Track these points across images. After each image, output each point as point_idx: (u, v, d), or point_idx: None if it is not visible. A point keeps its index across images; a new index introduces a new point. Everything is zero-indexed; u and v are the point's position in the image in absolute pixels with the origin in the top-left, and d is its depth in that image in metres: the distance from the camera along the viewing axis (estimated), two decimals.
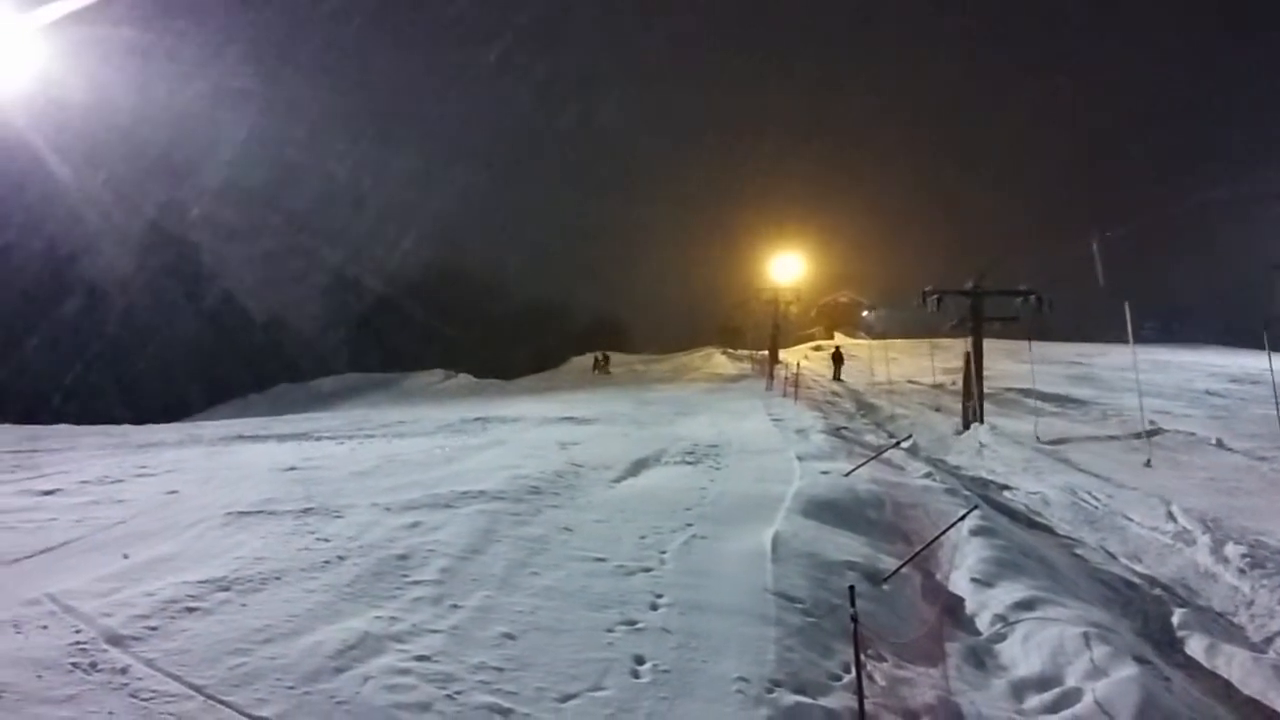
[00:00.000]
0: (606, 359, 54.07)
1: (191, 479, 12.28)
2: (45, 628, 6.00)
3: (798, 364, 38.40)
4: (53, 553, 8.26)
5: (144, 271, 73.43)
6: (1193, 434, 21.62)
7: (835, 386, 36.57)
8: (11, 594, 6.77)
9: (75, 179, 66.49)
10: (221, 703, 5.12)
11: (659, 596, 7.74)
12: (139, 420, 29.32)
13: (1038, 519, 13.60)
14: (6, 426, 21.64)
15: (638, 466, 14.44)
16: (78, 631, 5.93)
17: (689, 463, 14.92)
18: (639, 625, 7.06)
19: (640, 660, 6.41)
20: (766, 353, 47.34)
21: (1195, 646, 8.50)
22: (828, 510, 11.16)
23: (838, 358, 43.48)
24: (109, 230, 71.17)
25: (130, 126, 69.47)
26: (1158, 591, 10.29)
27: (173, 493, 11.19)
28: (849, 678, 6.46)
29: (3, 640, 5.75)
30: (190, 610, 6.45)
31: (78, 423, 25.03)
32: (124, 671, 5.39)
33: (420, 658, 6.03)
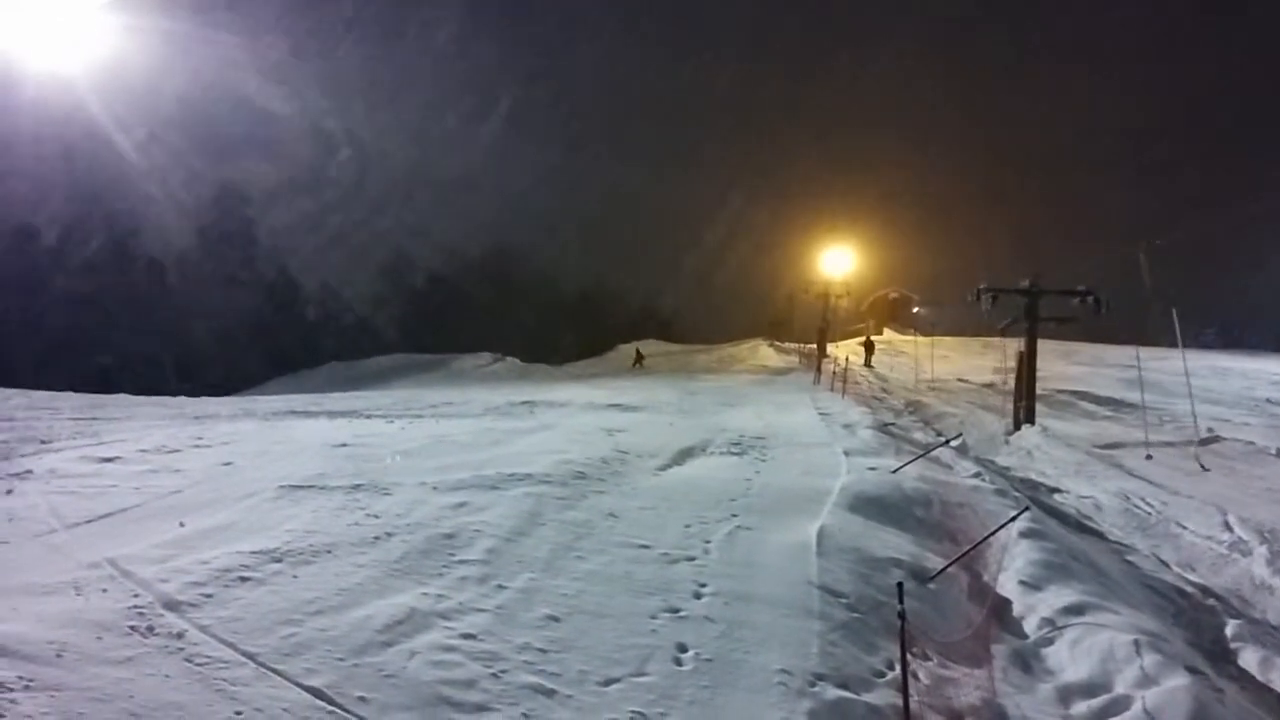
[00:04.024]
0: (641, 356, 54.02)
1: (246, 451, 12.51)
2: (105, 591, 6.16)
3: (846, 358, 38.09)
4: (112, 518, 8.48)
5: (203, 247, 74.78)
6: (1251, 443, 21.10)
7: (884, 383, 36.25)
8: (73, 557, 6.97)
9: (138, 155, 67.99)
10: (273, 671, 5.23)
11: (703, 586, 7.75)
12: (194, 392, 29.93)
13: (1089, 523, 13.36)
14: (68, 394, 22.19)
15: (683, 455, 14.45)
16: (136, 596, 6.08)
17: (734, 453, 14.89)
18: (682, 613, 7.08)
19: (683, 648, 6.43)
20: (814, 346, 47.00)
21: (1249, 659, 8.33)
22: (874, 506, 11.07)
23: (869, 345, 43.36)
24: (170, 206, 72.60)
25: (191, 104, 70.78)
26: (1211, 602, 10.08)
27: (228, 464, 11.41)
28: (892, 675, 6.43)
29: (64, 601, 5.92)
30: (244, 579, 6.59)
31: (137, 393, 25.63)
32: (180, 636, 5.52)
33: (466, 635, 6.11)
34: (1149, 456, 18.75)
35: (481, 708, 5.23)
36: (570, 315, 73.13)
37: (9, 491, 9.35)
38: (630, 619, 6.86)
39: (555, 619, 6.66)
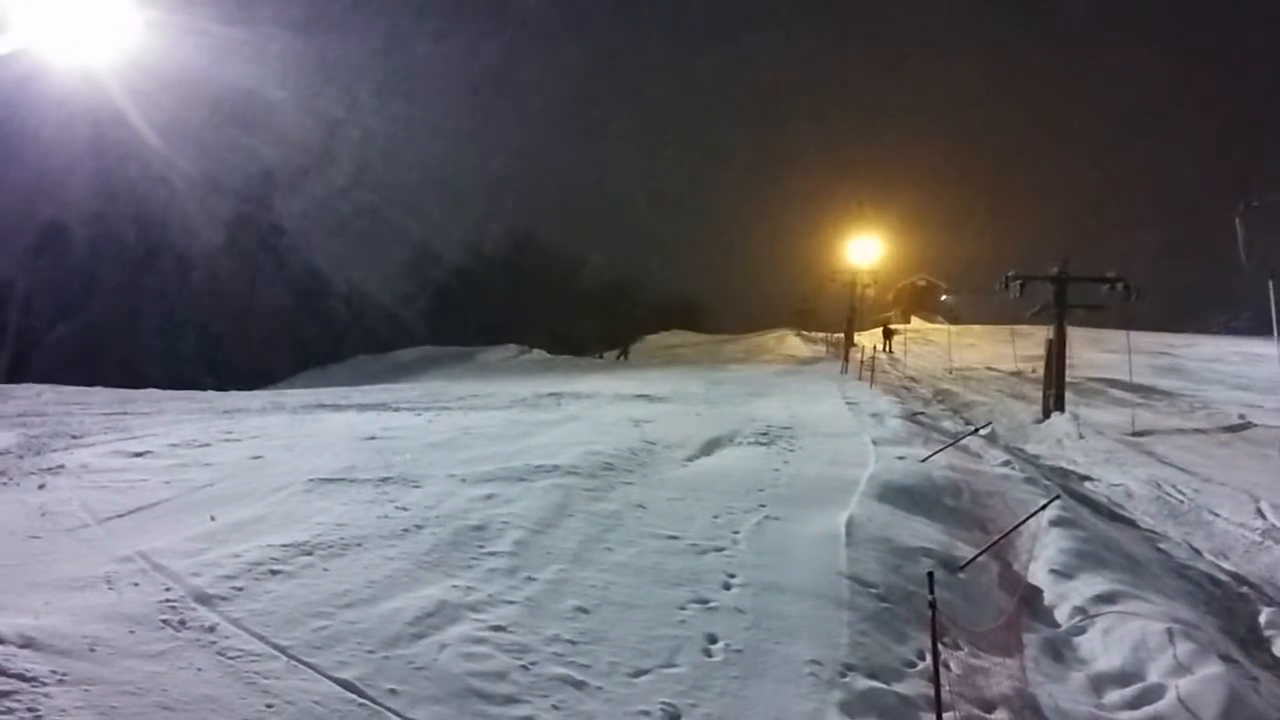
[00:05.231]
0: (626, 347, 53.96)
1: (275, 445, 12.59)
2: (137, 585, 6.22)
3: (874, 347, 37.91)
4: (144, 512, 8.56)
5: (230, 243, 75.38)
6: None
7: (899, 365, 36.20)
8: (105, 551, 7.04)
9: (166, 152, 68.56)
10: (304, 664, 5.26)
11: (732, 576, 7.73)
12: (223, 387, 30.23)
13: (1120, 511, 13.23)
14: (99, 389, 22.46)
15: (711, 446, 14.41)
16: (167, 589, 6.13)
17: (762, 444, 14.84)
18: (712, 604, 7.07)
19: (713, 639, 6.42)
20: (841, 335, 46.82)
21: None
22: (903, 496, 11.01)
23: (887, 331, 43.38)
24: (197, 203, 73.22)
25: (218, 101, 71.27)
26: (1245, 589, 9.96)
27: (257, 458, 11.49)
28: (923, 665, 6.39)
29: (97, 595, 5.98)
30: (274, 573, 6.63)
31: (167, 387, 25.89)
32: (211, 630, 5.56)
33: (496, 628, 6.12)
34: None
35: (511, 699, 5.24)
36: (596, 306, 72.96)
37: (41, 486, 9.46)
38: (659, 610, 6.85)
39: (584, 610, 6.66)
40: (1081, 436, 19.44)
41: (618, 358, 51.16)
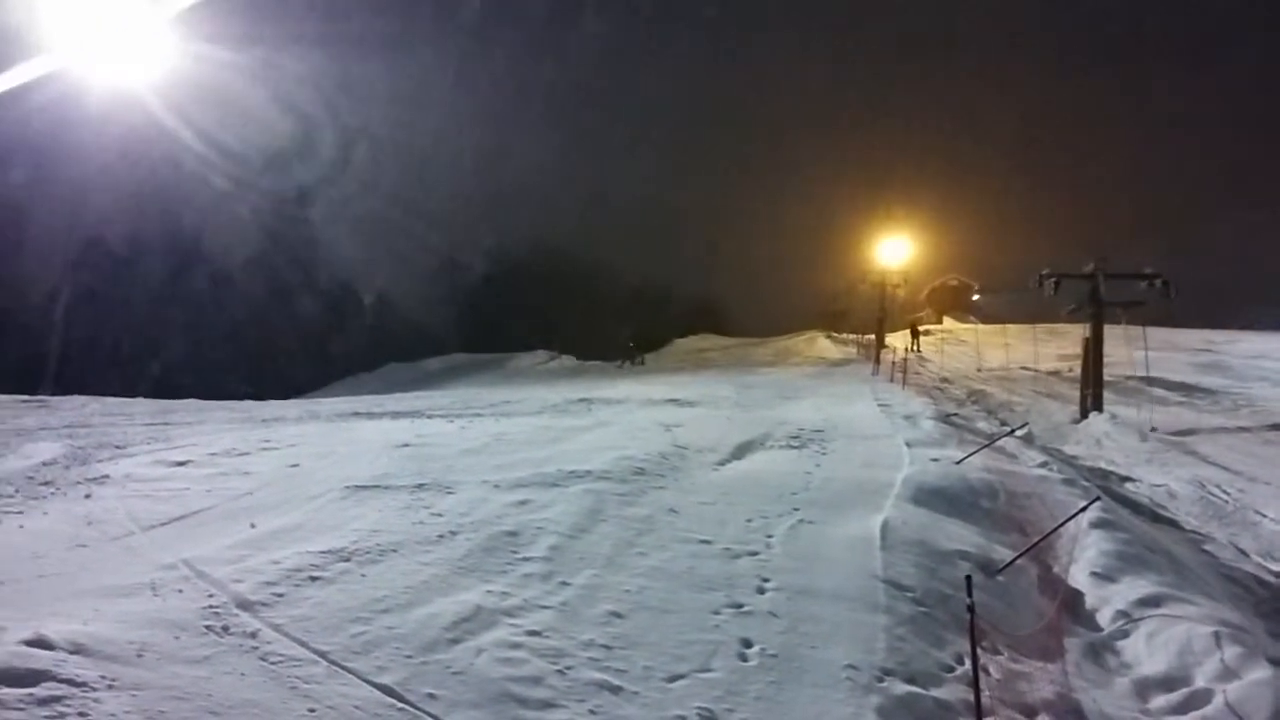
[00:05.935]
0: (634, 354, 50.73)
1: (312, 453, 12.71)
2: (181, 591, 6.31)
3: (905, 348, 37.62)
4: (186, 520, 8.69)
5: (263, 255, 76.36)
6: None
7: (945, 371, 35.84)
8: (149, 558, 7.15)
9: (200, 167, 69.61)
10: (344, 669, 5.32)
11: (766, 580, 7.71)
12: (258, 396, 30.56)
13: (1162, 513, 13.05)
14: (140, 400, 22.81)
15: (742, 450, 14.38)
16: (210, 596, 6.22)
17: (794, 447, 14.79)
18: (746, 608, 7.06)
19: (748, 643, 6.41)
20: (872, 336, 46.51)
21: None
22: (938, 498, 10.93)
23: (915, 331, 43.18)
24: (231, 217, 74.33)
25: (250, 117, 72.22)
26: None
27: (295, 466, 11.61)
28: (962, 669, 6.34)
29: (143, 602, 6.07)
30: (314, 579, 6.70)
31: (204, 398, 26.24)
32: (254, 635, 5.63)
33: (531, 632, 6.15)
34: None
35: (548, 704, 5.27)
36: (624, 311, 72.99)
37: (88, 496, 9.63)
38: (694, 615, 6.85)
39: (619, 615, 6.68)
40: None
41: (619, 365, 49.41)
